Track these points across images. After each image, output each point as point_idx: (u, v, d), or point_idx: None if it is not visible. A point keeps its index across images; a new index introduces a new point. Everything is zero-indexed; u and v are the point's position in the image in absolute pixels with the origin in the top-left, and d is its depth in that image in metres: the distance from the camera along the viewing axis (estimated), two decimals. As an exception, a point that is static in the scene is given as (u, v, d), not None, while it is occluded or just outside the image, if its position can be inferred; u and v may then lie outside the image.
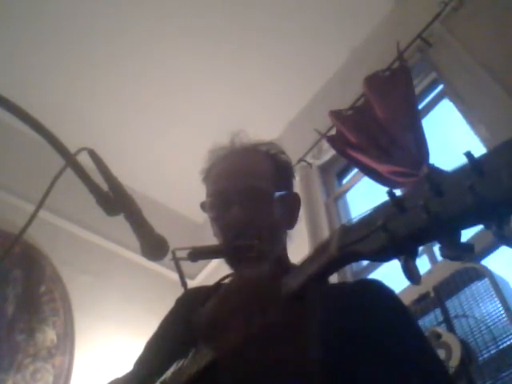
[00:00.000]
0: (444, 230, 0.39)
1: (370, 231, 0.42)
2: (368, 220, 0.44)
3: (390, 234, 0.41)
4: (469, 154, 0.37)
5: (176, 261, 0.89)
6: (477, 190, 0.36)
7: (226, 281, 0.92)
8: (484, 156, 0.37)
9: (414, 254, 0.41)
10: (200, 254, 0.89)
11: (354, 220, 0.46)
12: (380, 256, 0.43)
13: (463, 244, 0.38)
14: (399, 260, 0.41)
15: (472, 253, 0.38)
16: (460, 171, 0.38)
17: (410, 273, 0.41)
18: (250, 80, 2.94)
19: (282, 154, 1.03)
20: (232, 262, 0.93)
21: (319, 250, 0.49)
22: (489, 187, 0.35)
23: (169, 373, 0.70)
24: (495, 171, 0.36)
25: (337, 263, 0.47)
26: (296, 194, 1.04)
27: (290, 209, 1.00)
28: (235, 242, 0.89)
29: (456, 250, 0.38)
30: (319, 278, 0.48)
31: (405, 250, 0.41)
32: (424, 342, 0.74)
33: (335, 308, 0.67)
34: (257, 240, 0.87)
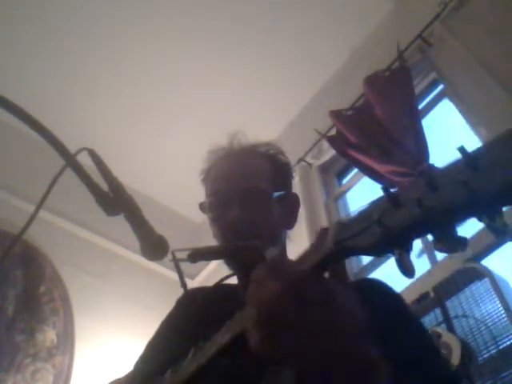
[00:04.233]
0: (437, 224, 0.39)
1: (365, 226, 0.43)
2: (363, 215, 0.45)
3: (385, 229, 0.41)
4: (462, 149, 0.38)
5: (176, 262, 0.89)
6: (470, 184, 0.36)
7: (226, 281, 0.92)
8: (477, 151, 0.38)
9: (408, 249, 0.42)
10: (200, 255, 0.88)
11: (351, 215, 0.47)
12: (375, 250, 0.43)
13: (456, 237, 0.39)
14: (393, 254, 0.42)
15: (464, 245, 0.39)
16: (454, 166, 0.39)
17: (404, 266, 0.41)
18: (250, 80, 2.94)
19: (280, 154, 1.04)
20: (233, 263, 0.92)
21: (315, 245, 0.49)
22: (482, 182, 0.36)
23: (169, 372, 0.70)
24: (488, 165, 0.37)
25: (333, 257, 0.48)
26: (295, 195, 1.04)
27: (289, 209, 1.00)
28: (236, 242, 0.89)
29: (449, 243, 0.39)
30: (315, 272, 0.48)
31: (399, 244, 0.42)
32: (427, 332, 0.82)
33: None
34: (258, 241, 0.87)
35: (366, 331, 0.48)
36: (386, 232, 0.41)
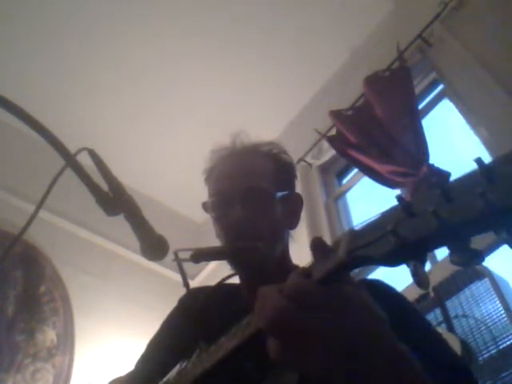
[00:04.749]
0: (454, 237, 0.38)
1: (379, 236, 0.42)
2: (377, 224, 0.43)
3: (400, 239, 0.40)
4: (479, 161, 0.37)
5: (179, 262, 0.89)
6: (488, 197, 0.35)
7: (228, 281, 0.92)
8: (494, 162, 0.37)
9: (423, 260, 0.41)
10: (203, 255, 0.88)
11: (362, 225, 0.45)
12: (389, 260, 0.42)
13: (472, 250, 0.38)
14: (408, 265, 0.41)
15: (481, 259, 0.38)
16: (470, 178, 0.38)
17: (420, 278, 0.40)
18: (250, 80, 2.94)
19: (283, 154, 1.03)
20: (235, 263, 0.92)
21: (321, 255, 0.48)
22: (500, 194, 0.35)
23: (173, 373, 0.70)
24: (506, 178, 0.35)
25: (345, 267, 0.46)
26: (298, 195, 1.03)
27: (292, 209, 1.00)
28: (238, 243, 0.88)
29: (465, 256, 0.38)
30: (326, 282, 0.47)
31: (414, 255, 0.41)
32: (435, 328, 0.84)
33: None
34: (260, 242, 0.86)
35: (389, 329, 0.47)
36: (401, 242, 0.40)
